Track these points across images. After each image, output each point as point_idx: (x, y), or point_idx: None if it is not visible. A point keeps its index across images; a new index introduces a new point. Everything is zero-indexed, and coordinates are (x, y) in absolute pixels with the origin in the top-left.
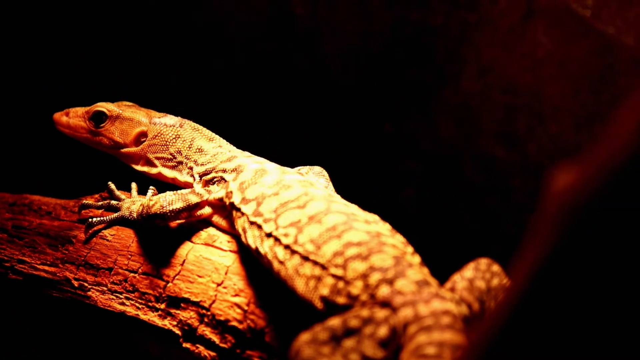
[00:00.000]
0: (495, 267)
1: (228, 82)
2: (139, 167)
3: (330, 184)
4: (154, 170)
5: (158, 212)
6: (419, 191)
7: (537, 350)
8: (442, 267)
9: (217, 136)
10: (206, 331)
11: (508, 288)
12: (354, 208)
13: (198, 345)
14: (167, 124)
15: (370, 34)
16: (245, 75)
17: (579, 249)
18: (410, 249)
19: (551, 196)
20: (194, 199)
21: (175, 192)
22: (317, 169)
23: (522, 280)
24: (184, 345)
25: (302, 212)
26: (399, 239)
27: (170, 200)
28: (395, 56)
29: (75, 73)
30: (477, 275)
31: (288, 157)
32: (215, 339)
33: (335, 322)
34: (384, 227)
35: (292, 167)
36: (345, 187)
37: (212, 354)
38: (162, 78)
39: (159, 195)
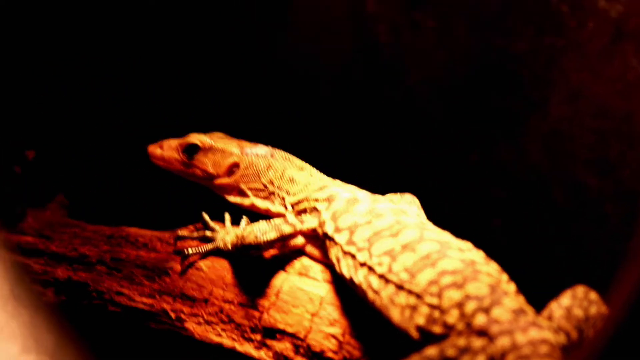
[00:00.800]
0: (593, 295)
1: (315, 114)
2: (231, 198)
3: (422, 211)
4: (246, 201)
5: (252, 242)
6: (507, 219)
7: None
8: (537, 295)
9: (307, 165)
10: None
11: (607, 315)
12: (447, 236)
13: None
14: (258, 154)
15: (455, 61)
16: (330, 108)
17: None
18: (505, 276)
19: None
20: (288, 229)
21: (268, 221)
22: (408, 197)
23: (620, 307)
24: None
25: (395, 240)
26: (493, 267)
27: (264, 231)
28: (481, 83)
29: (170, 104)
30: (575, 303)
31: (378, 185)
32: None
33: (432, 351)
34: (478, 255)
35: (383, 194)
36: (434, 215)
37: None
38: (252, 111)
39: (253, 225)
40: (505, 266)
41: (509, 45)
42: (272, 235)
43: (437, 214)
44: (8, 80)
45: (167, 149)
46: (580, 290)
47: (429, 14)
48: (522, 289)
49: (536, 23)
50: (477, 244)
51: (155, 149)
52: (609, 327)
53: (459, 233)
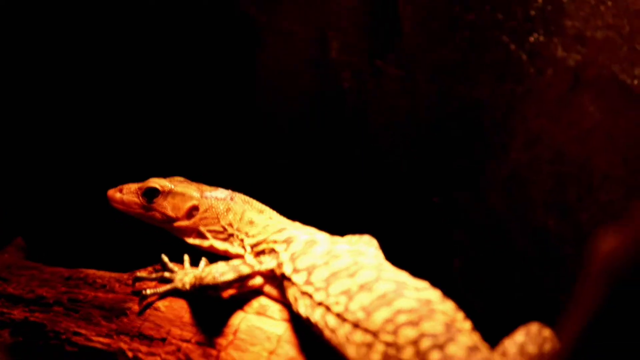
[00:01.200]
0: (547, 332)
1: (279, 157)
2: (191, 240)
3: (380, 252)
4: (205, 243)
5: (211, 283)
6: (467, 261)
7: None
8: (493, 335)
9: (267, 208)
10: None
11: (557, 349)
12: (403, 276)
13: None
14: (218, 198)
15: (417, 108)
16: (292, 152)
17: (624, 309)
18: (460, 314)
19: (598, 258)
20: (246, 270)
21: (227, 262)
22: (366, 238)
23: (569, 341)
24: None
25: (352, 280)
26: (449, 306)
27: (222, 272)
28: (443, 129)
29: (129, 149)
30: (528, 339)
31: (340, 228)
32: None
33: None
34: (434, 294)
35: (342, 236)
36: (395, 257)
37: None
38: (215, 154)
39: (211, 266)
40: (464, 306)
41: (469, 92)
42: (230, 276)
43: (399, 255)
44: None
45: (126, 193)
46: (534, 327)
47: (391, 61)
48: (480, 327)
49: (496, 70)
50: (438, 284)
51: (114, 193)
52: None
53: (420, 273)
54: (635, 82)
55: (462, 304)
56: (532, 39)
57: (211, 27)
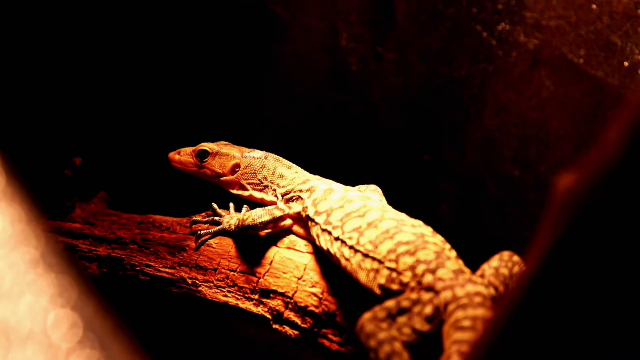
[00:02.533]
0: (516, 258)
1: (300, 126)
2: (234, 191)
3: (384, 198)
4: (246, 193)
5: (250, 224)
6: (452, 206)
7: (547, 318)
8: (473, 261)
9: (294, 164)
10: (290, 315)
11: (523, 270)
12: (403, 216)
13: (284, 326)
14: (255, 157)
15: (410, 84)
16: (312, 121)
17: (579, 235)
18: (448, 245)
19: (556, 194)
20: (278, 213)
21: (263, 208)
22: (373, 186)
23: (534, 263)
24: (274, 326)
25: (362, 220)
26: (439, 239)
27: (259, 214)
28: (430, 101)
29: (185, 121)
30: (501, 264)
31: (350, 179)
32: (298, 321)
33: (390, 303)
34: (427, 230)
35: (353, 186)
36: (394, 204)
37: (296, 332)
38: (251, 124)
39: (251, 211)
40: (450, 240)
41: (451, 71)
42: (266, 218)
43: (397, 202)
44: (56, 98)
45: (183, 155)
46: (506, 254)
47: (389, 48)
48: (462, 256)
49: (472, 53)
50: (427, 223)
51: (174, 155)
52: (524, 278)
53: (413, 215)
54: (581, 60)
55: (448, 239)
56: (500, 27)
57: (247, 23)
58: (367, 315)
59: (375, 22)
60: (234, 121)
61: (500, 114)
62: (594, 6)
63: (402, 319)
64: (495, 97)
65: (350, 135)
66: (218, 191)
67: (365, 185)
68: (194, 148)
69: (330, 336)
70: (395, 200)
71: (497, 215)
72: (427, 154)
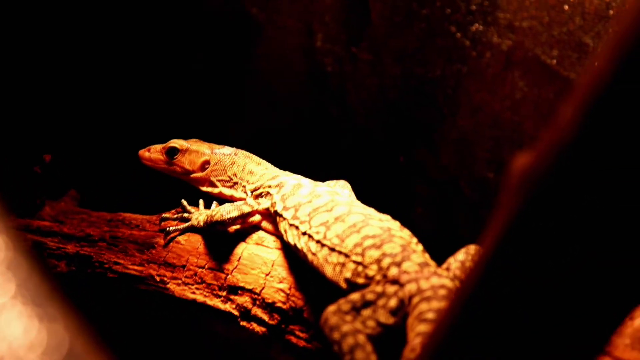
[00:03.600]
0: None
1: (276, 126)
2: (204, 188)
3: (352, 193)
4: (215, 190)
5: (219, 219)
6: (426, 208)
7: (503, 300)
8: (443, 258)
9: (264, 161)
10: (258, 312)
11: (479, 252)
12: (370, 210)
13: (252, 323)
14: (224, 153)
15: (385, 85)
16: (289, 122)
17: (534, 213)
18: (414, 239)
19: (512, 174)
20: (247, 209)
21: (232, 204)
22: (342, 182)
23: (489, 245)
24: (242, 323)
25: (329, 214)
26: (406, 233)
27: (228, 210)
28: (405, 102)
29: (155, 118)
30: (467, 257)
31: (324, 180)
32: (265, 317)
33: (355, 296)
34: (394, 224)
35: (323, 181)
36: (369, 205)
37: (263, 329)
38: (225, 121)
39: (220, 207)
40: (424, 242)
41: (425, 73)
42: (234, 213)
43: (372, 203)
44: (26, 95)
45: (153, 152)
46: (472, 247)
47: (364, 49)
48: (436, 258)
49: (446, 55)
50: (403, 224)
51: (144, 153)
52: (479, 261)
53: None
54: (554, 61)
55: (423, 240)
56: (473, 28)
57: (222, 23)
58: (331, 308)
59: (350, 23)
60: (210, 122)
61: (475, 115)
62: (566, 7)
63: (366, 312)
64: (469, 98)
65: (326, 137)
66: (189, 189)
67: (335, 181)
68: (163, 145)
69: (297, 332)
70: (371, 201)
71: (471, 217)
72: (402, 155)
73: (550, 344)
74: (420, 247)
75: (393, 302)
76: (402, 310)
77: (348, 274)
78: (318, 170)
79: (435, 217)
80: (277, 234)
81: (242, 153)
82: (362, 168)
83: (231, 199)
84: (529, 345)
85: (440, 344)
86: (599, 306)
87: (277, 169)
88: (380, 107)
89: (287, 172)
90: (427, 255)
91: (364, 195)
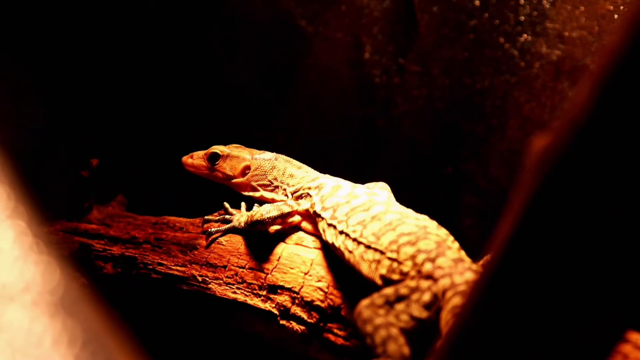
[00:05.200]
0: None
1: (323, 141)
2: (245, 193)
3: (392, 195)
4: (257, 194)
5: (259, 219)
6: (475, 220)
7: (524, 284)
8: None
9: (304, 165)
10: (297, 310)
11: (499, 235)
12: (408, 210)
13: (291, 322)
14: (265, 159)
15: (433, 97)
16: (337, 134)
17: (551, 192)
18: (451, 238)
19: (530, 154)
20: (287, 209)
21: (272, 204)
22: (381, 184)
23: (510, 224)
24: (281, 322)
25: (366, 214)
26: (442, 231)
27: (268, 210)
28: (453, 113)
29: (198, 126)
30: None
31: None
32: (304, 316)
33: (389, 290)
34: (431, 223)
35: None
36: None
37: (302, 327)
38: (274, 139)
39: (260, 207)
40: (474, 254)
41: (474, 83)
42: (274, 213)
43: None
44: (75, 99)
45: (195, 159)
46: None
47: (412, 60)
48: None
49: (494, 65)
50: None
51: (187, 159)
52: (498, 245)
53: None
54: None
55: (472, 253)
56: (522, 39)
57: (271, 36)
58: (364, 302)
59: (398, 35)
60: (257, 133)
61: (523, 126)
62: (616, 16)
63: (400, 306)
64: (518, 108)
65: (374, 148)
66: (231, 193)
67: (374, 183)
68: (205, 151)
69: (335, 330)
70: (418, 212)
71: None
72: (450, 167)
73: (572, 328)
74: (456, 244)
75: (427, 297)
76: (436, 305)
77: (383, 271)
78: (364, 181)
79: (485, 229)
80: (316, 234)
81: (282, 158)
82: (410, 179)
83: (272, 202)
84: (553, 328)
85: (464, 329)
86: (619, 291)
87: (317, 172)
88: (428, 118)
89: (327, 175)
90: (462, 253)
91: (411, 206)
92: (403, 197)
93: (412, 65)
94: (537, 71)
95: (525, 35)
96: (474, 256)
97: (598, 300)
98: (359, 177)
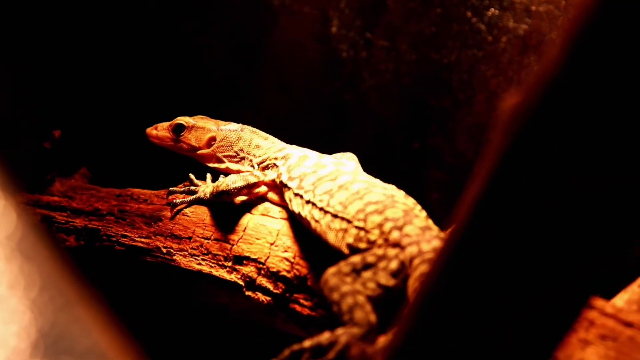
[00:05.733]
0: None
1: (290, 116)
2: (211, 165)
3: (359, 166)
4: (222, 166)
5: (225, 189)
6: (442, 194)
7: (492, 245)
8: None
9: (270, 136)
10: (263, 281)
11: (468, 193)
12: (375, 180)
13: (257, 293)
14: (231, 129)
15: (400, 71)
16: (304, 109)
17: (524, 150)
18: (418, 207)
19: (501, 113)
20: (253, 179)
21: (238, 174)
22: (349, 154)
23: (479, 183)
24: (247, 293)
25: (333, 183)
26: (410, 201)
27: (234, 180)
28: (420, 88)
29: (162, 97)
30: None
31: None
32: (270, 286)
33: (355, 258)
34: (399, 192)
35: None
36: None
37: (268, 298)
38: (239, 114)
39: (226, 178)
40: (440, 227)
41: (441, 58)
42: (240, 183)
43: None
44: (37, 71)
45: (160, 130)
46: None
47: (380, 35)
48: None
49: (461, 39)
50: None
51: (151, 131)
52: (468, 202)
53: None
54: None
55: (439, 226)
56: (489, 13)
57: (236, 10)
58: (331, 270)
59: (365, 9)
60: (224, 108)
61: (490, 100)
62: None
63: (367, 274)
64: (485, 83)
65: (341, 123)
66: (196, 166)
67: (342, 153)
68: (170, 123)
69: (301, 301)
70: None
71: None
72: (417, 142)
73: (537, 293)
74: (423, 213)
75: (394, 265)
76: (403, 273)
77: (350, 240)
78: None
79: (451, 203)
80: (283, 205)
81: (248, 129)
82: (377, 154)
83: (238, 173)
84: (518, 293)
85: (431, 291)
86: (589, 258)
87: (284, 143)
88: (395, 93)
89: (294, 146)
90: (430, 221)
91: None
92: (370, 171)
93: (380, 40)
94: (504, 45)
95: (492, 9)
96: (442, 230)
97: (563, 266)
98: (326, 151)
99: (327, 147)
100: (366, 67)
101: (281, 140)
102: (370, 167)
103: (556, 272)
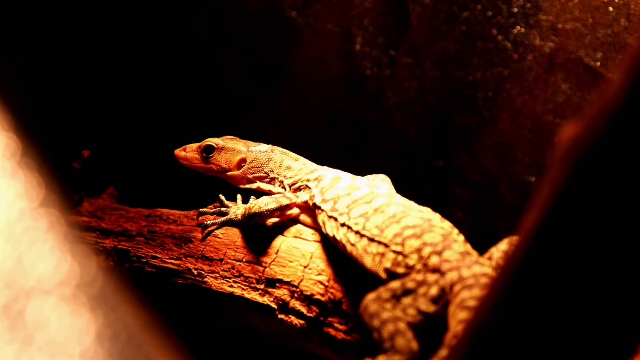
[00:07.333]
0: None
1: (313, 133)
2: (242, 186)
3: (392, 188)
4: (254, 186)
5: (257, 211)
6: (466, 213)
7: (549, 281)
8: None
9: (301, 157)
10: (296, 304)
11: (523, 227)
12: (410, 203)
13: (290, 316)
14: (261, 151)
15: (424, 89)
16: (327, 126)
17: (581, 182)
18: (456, 230)
19: (559, 144)
20: (285, 201)
21: (270, 196)
22: (382, 176)
23: (535, 218)
24: (279, 316)
25: (369, 206)
26: (447, 224)
27: (266, 202)
28: (445, 105)
29: (191, 119)
30: (511, 248)
31: None
32: (304, 310)
33: (395, 284)
34: (435, 216)
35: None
36: None
37: (302, 322)
38: (263, 131)
39: (258, 199)
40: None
41: (465, 76)
42: (272, 205)
43: None
44: (66, 91)
45: (189, 152)
46: (515, 238)
47: (404, 52)
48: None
49: (487, 57)
50: None
51: (180, 152)
52: (524, 236)
53: None
54: (598, 63)
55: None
56: (515, 31)
57: (260, 26)
58: (371, 296)
59: (389, 27)
60: (248, 125)
61: (515, 119)
62: (610, 8)
63: (406, 300)
64: (510, 101)
65: (364, 141)
66: (226, 186)
67: (374, 175)
68: (199, 144)
69: (336, 325)
70: None
71: (512, 222)
72: (441, 160)
73: (598, 327)
74: (461, 237)
75: (434, 290)
76: (443, 299)
77: (388, 264)
78: (355, 174)
79: (475, 222)
80: (316, 227)
81: (278, 150)
82: (400, 172)
83: (269, 194)
84: (578, 326)
85: (481, 328)
86: None
87: (315, 164)
88: (419, 110)
89: (325, 167)
90: (468, 246)
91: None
92: (395, 189)
93: (403, 57)
94: (529, 63)
95: (518, 27)
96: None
97: (628, 299)
98: (349, 170)
99: (350, 165)
100: (390, 84)
101: (305, 157)
102: (393, 185)
103: (620, 305)
